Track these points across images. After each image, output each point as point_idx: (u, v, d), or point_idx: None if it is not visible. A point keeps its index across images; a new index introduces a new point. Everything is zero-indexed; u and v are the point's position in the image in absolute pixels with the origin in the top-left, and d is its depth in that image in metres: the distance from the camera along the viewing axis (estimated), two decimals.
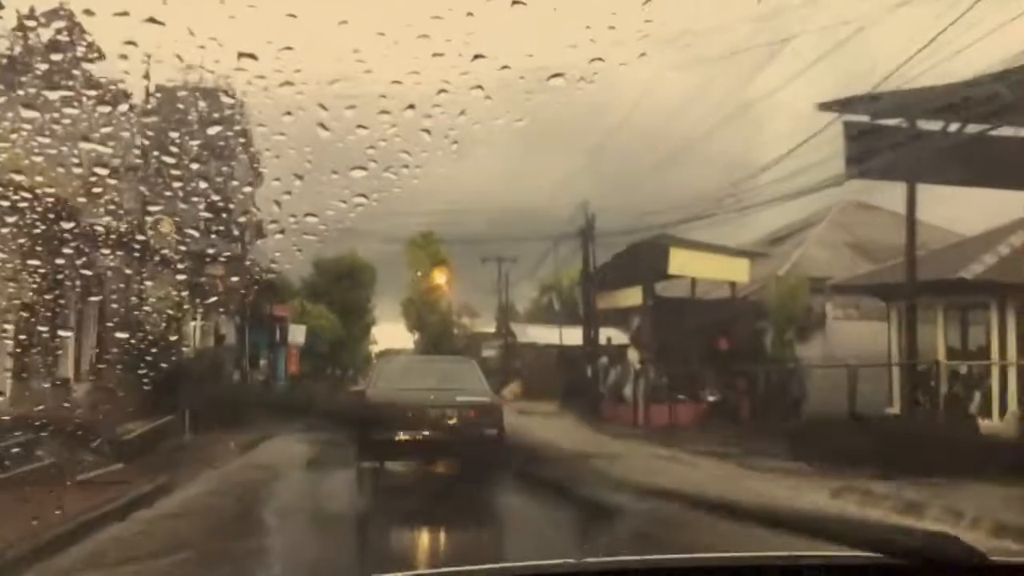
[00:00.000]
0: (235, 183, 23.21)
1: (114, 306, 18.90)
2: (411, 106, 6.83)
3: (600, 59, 6.96)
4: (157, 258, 21.47)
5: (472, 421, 12.31)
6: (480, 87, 6.72)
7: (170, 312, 21.18)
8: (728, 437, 22.50)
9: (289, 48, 6.39)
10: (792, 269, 33.29)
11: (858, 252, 35.09)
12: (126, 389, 16.33)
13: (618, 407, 30.00)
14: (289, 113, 6.94)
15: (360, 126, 6.81)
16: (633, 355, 31.51)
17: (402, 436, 11.65)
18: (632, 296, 32.16)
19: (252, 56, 6.16)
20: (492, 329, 59.03)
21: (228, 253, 26.44)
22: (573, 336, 38.99)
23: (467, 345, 54.75)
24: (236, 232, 27.37)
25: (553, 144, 53.72)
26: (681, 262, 30.87)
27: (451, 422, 12.16)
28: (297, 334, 43.75)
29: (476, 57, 6.33)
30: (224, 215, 23.65)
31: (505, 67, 6.82)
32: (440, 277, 55.51)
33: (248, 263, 29.34)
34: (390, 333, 64.64)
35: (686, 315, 30.99)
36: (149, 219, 20.52)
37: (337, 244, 40.77)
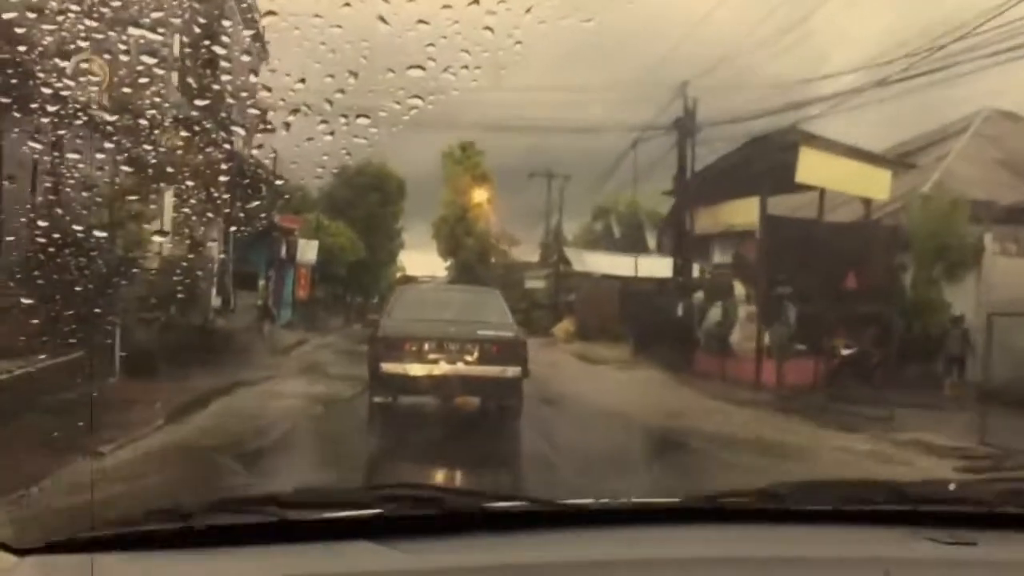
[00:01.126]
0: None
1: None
2: (475, 1, 6.53)
3: None
4: (81, 119, 14.15)
5: (494, 358, 11.56)
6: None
7: (100, 201, 14.13)
8: (902, 413, 15.02)
9: None
10: (936, 188, 25.61)
11: (1013, 171, 27.55)
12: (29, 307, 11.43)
13: (722, 359, 22.42)
14: (348, 4, 6.84)
15: (421, 20, 6.53)
16: (740, 291, 23.85)
17: (417, 371, 11.29)
18: (741, 212, 24.36)
19: None
20: (535, 258, 51.63)
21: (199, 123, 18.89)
22: (644, 266, 31.31)
23: (506, 275, 47.46)
24: (223, 113, 19.91)
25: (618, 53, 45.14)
26: (812, 167, 23.04)
27: (470, 358, 11.49)
28: (308, 251, 36.62)
29: None
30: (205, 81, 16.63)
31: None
32: (480, 194, 48.02)
33: (245, 156, 22.46)
34: (420, 261, 59.54)
35: (812, 241, 23.34)
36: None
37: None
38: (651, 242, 40.35)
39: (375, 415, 12.00)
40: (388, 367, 11.48)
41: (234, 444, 10.15)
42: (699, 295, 25.07)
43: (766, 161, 23.31)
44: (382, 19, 6.48)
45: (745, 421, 14.61)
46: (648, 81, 39.97)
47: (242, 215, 27.76)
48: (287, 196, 34.81)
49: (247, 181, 23.55)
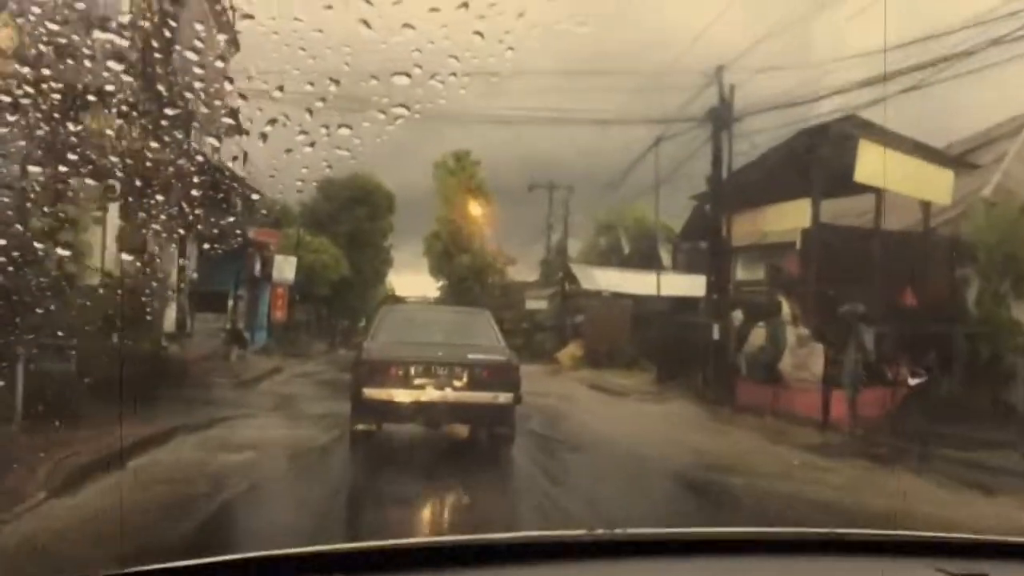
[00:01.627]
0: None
1: None
2: (465, 4, 6.43)
3: None
4: None
5: (484, 383, 10.98)
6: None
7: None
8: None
9: None
10: (996, 192, 22.41)
11: None
12: None
13: (771, 390, 18.97)
14: (330, 7, 6.55)
15: (407, 25, 6.42)
16: (786, 311, 20.44)
17: (402, 396, 10.86)
18: (785, 218, 20.97)
19: None
20: (533, 277, 48.41)
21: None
22: (666, 284, 27.88)
23: (504, 295, 44.00)
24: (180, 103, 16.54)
25: (615, 59, 43.25)
26: (872, 164, 19.69)
27: (459, 383, 10.94)
28: (285, 268, 33.17)
29: None
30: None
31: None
32: (475, 208, 44.58)
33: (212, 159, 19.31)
34: (411, 281, 57.14)
35: (867, 252, 20.10)
36: None
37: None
38: (665, 257, 36.86)
39: (356, 444, 11.45)
40: (371, 392, 10.99)
41: (132, 536, 6.58)
42: (736, 314, 21.54)
43: (817, 157, 19.97)
44: (365, 23, 6.29)
45: (840, 482, 11.06)
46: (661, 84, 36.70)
47: (207, 226, 24.42)
48: (263, 211, 31.60)
49: (212, 187, 20.22)
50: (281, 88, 7.57)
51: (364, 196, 41.38)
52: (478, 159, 44.65)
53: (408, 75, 6.55)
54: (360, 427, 11.39)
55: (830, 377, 18.44)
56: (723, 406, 19.81)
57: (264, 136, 7.73)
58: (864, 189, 20.96)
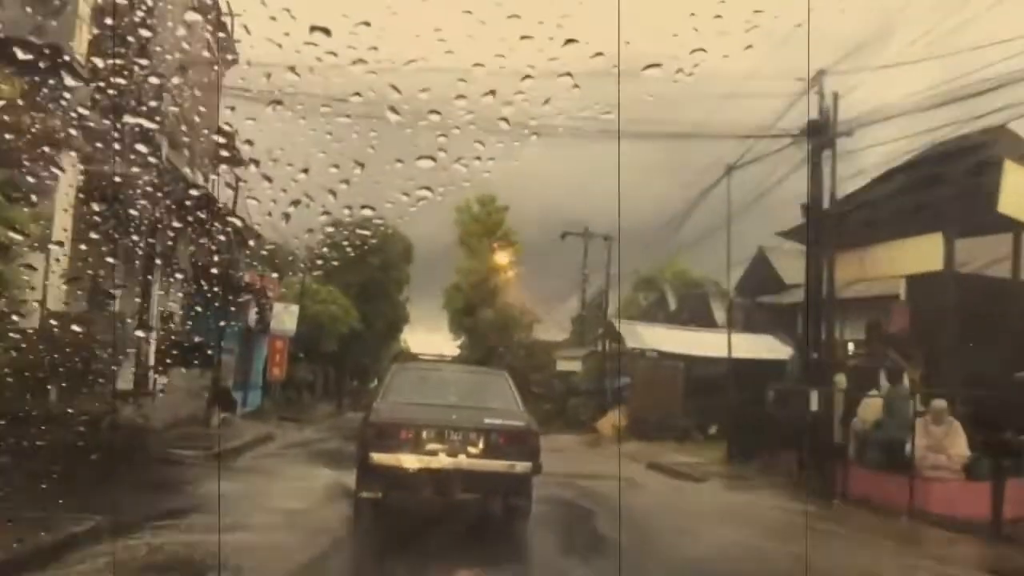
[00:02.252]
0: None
1: None
2: (492, 92, 6.81)
3: (703, 50, 6.78)
4: None
5: (501, 450, 10.38)
6: (569, 74, 6.69)
7: None
8: None
9: (366, 23, 6.41)
10: None
11: None
12: None
13: (900, 479, 14.71)
14: (358, 94, 6.98)
15: (433, 111, 6.75)
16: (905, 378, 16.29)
17: (412, 462, 10.24)
18: (906, 259, 16.86)
19: (325, 30, 6.08)
20: (562, 336, 44.46)
21: None
22: (739, 344, 23.69)
23: (531, 355, 39.99)
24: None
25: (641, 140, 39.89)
26: (1017, 191, 15.70)
27: (474, 449, 10.36)
28: (285, 318, 29.23)
29: (568, 42, 6.31)
30: None
31: (598, 54, 6.69)
32: (500, 257, 40.81)
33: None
34: (426, 341, 55.29)
35: (1002, 304, 16.12)
36: None
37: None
38: (718, 314, 32.70)
39: (360, 512, 10.80)
40: (379, 457, 10.31)
41: None
42: (839, 379, 17.32)
43: (949, 181, 15.92)
44: (393, 110, 6.78)
45: None
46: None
47: (188, 262, 20.57)
48: (263, 251, 27.81)
49: (197, 217, 16.56)
50: (306, 171, 7.84)
51: (380, 244, 37.35)
52: (505, 204, 40.89)
53: (433, 159, 6.78)
54: (365, 495, 10.73)
55: (980, 464, 14.23)
56: (829, 498, 15.50)
57: (287, 216, 7.92)
58: (1001, 226, 16.91)
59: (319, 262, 35.31)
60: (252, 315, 27.22)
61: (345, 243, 36.42)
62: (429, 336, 60.90)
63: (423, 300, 46.00)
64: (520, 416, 11.28)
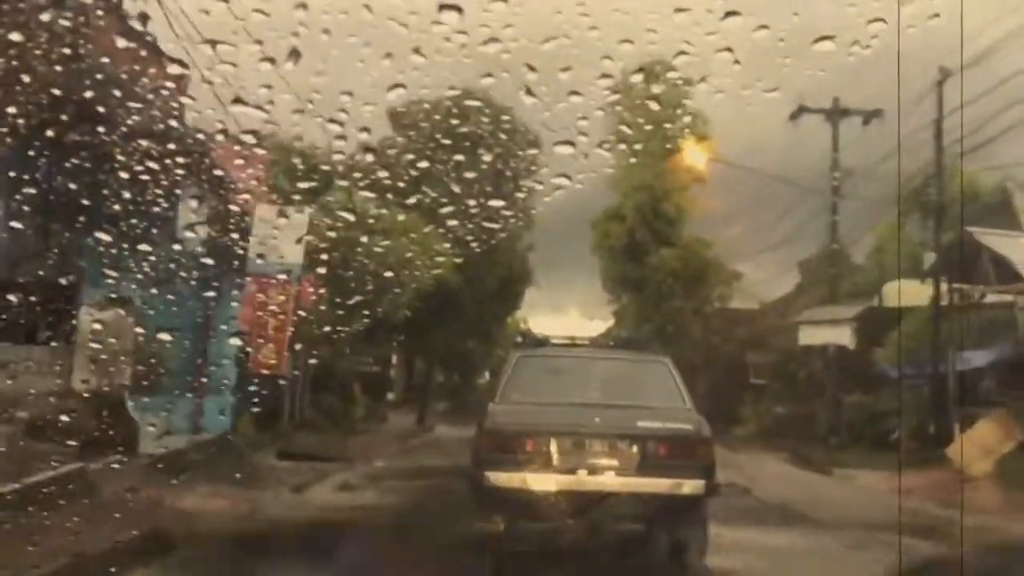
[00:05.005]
0: None
1: None
2: (640, 70, 7.39)
3: (882, 20, 6.11)
4: None
5: (662, 464, 9.10)
6: (729, 49, 6.43)
7: None
8: None
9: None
10: None
11: None
12: None
13: None
14: (490, 75, 7.10)
15: (574, 92, 6.61)
16: None
17: (543, 483, 9.04)
18: None
19: (456, 8, 6.01)
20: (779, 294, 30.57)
21: None
22: None
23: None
24: None
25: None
26: None
27: (626, 464, 9.10)
28: (285, 242, 14.45)
29: (728, 15, 6.13)
30: None
31: (762, 27, 6.45)
32: (690, 160, 26.10)
33: None
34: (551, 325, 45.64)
35: None
36: None
37: None
38: None
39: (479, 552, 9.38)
40: (497, 477, 8.94)
41: None
42: None
43: None
44: (528, 91, 6.53)
45: None
46: None
47: None
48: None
49: None
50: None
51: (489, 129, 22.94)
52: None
53: (572, 144, 6.62)
54: (482, 527, 9.53)
55: None
56: None
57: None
58: None
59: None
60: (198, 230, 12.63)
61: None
62: (553, 320, 47.07)
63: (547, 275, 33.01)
64: (687, 417, 9.65)
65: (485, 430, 9.43)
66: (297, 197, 18.42)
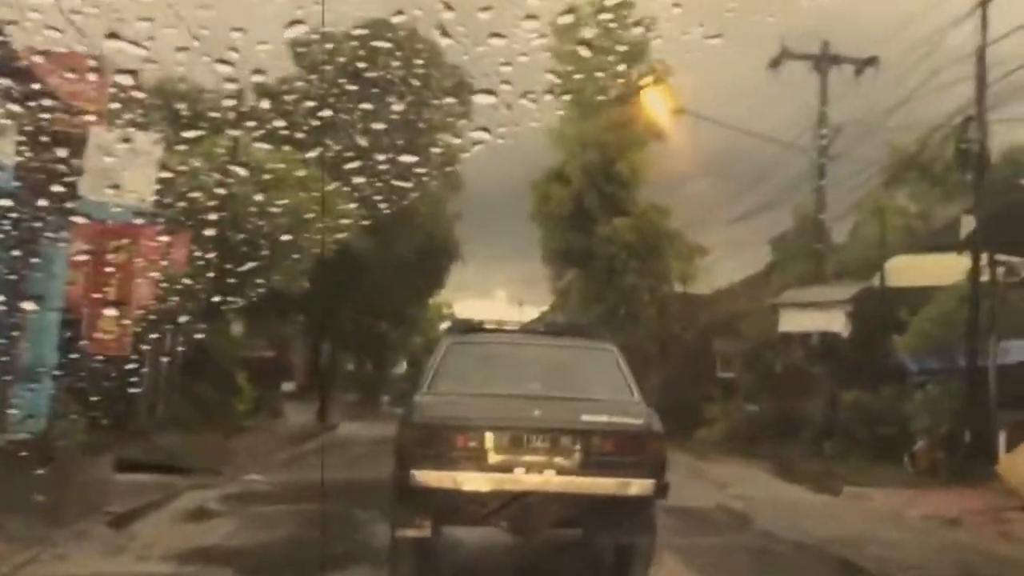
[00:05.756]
0: None
1: None
2: (570, 10, 7.13)
3: None
4: None
5: (608, 462, 8.59)
6: None
7: None
8: None
9: None
10: None
11: None
12: None
13: None
14: (401, 12, 7.95)
15: (496, 34, 5.91)
16: None
17: (476, 483, 8.46)
18: None
19: None
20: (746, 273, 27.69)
21: None
22: None
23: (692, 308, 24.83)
24: None
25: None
26: None
27: (568, 462, 8.59)
28: (132, 178, 10.59)
29: None
30: None
31: None
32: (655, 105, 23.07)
33: None
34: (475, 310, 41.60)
35: None
36: None
37: None
38: None
39: (399, 560, 8.86)
40: (425, 476, 8.27)
41: None
42: None
43: None
44: (443, 31, 6.28)
45: None
46: None
47: None
48: None
49: None
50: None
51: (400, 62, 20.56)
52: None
53: (493, 92, 6.19)
54: (406, 532, 8.72)
55: None
56: None
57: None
58: None
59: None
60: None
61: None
62: (482, 303, 44.16)
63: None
64: (636, 411, 9.08)
65: (411, 424, 8.88)
66: (182, 147, 15.84)
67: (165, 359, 16.23)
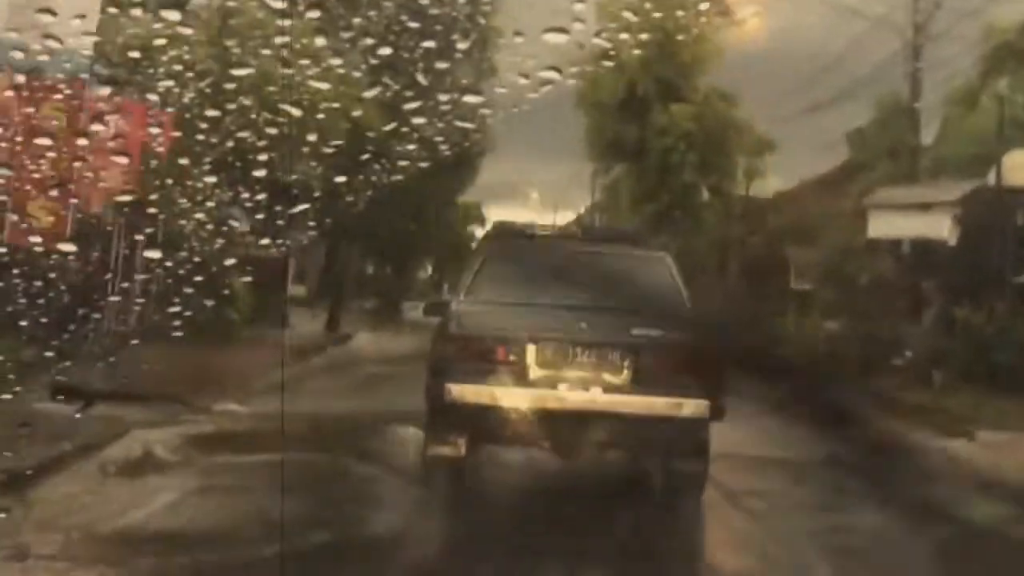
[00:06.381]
0: None
1: None
2: None
3: None
4: None
5: (660, 379, 8.41)
6: None
7: None
8: None
9: None
10: None
11: None
12: None
13: None
14: None
15: None
16: None
17: (516, 400, 8.35)
18: None
19: None
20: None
21: None
22: None
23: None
24: None
25: None
26: None
27: (617, 379, 8.45)
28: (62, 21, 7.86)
29: None
30: None
31: None
32: None
33: None
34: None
35: None
36: None
37: None
38: None
39: (431, 481, 8.73)
40: (461, 391, 8.13)
41: None
42: None
43: None
44: None
45: None
46: None
47: None
48: None
49: None
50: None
51: None
52: None
53: (564, 31, 5.72)
54: (439, 451, 8.50)
55: None
56: None
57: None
58: None
59: None
60: None
61: None
62: (514, 206, 42.37)
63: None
64: (689, 323, 9.17)
65: (447, 334, 8.86)
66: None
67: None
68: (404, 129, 16.88)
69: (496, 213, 37.00)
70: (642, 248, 10.86)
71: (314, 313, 21.79)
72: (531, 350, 8.40)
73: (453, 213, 31.33)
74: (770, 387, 14.37)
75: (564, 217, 35.61)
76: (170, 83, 12.60)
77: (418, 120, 15.72)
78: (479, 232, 33.93)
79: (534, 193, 35.52)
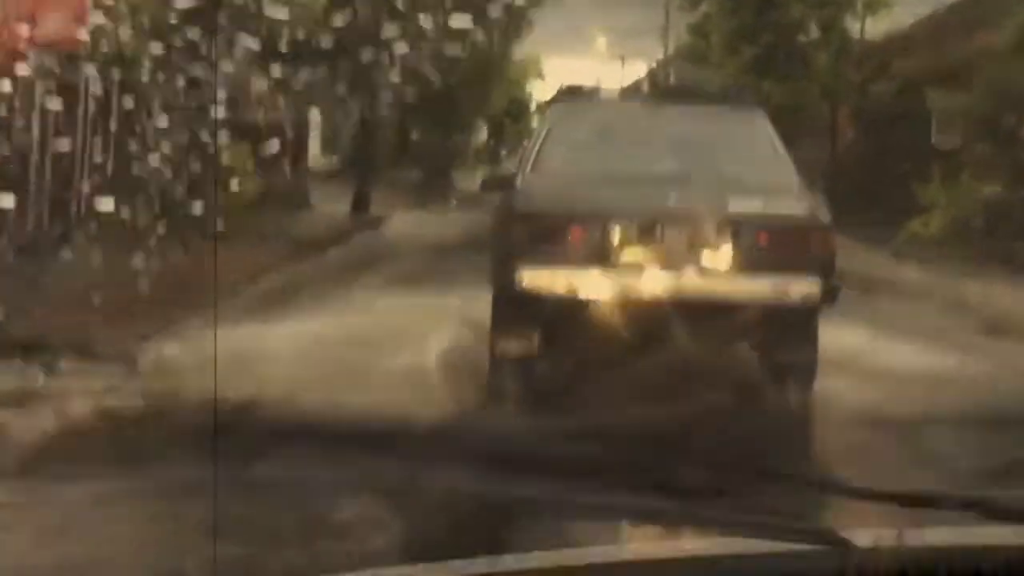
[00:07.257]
0: None
1: None
2: None
3: None
4: None
5: (764, 259, 8.00)
6: None
7: None
8: None
9: None
10: None
11: None
12: None
13: None
14: None
15: None
16: None
17: (598, 287, 7.98)
18: None
19: None
20: None
21: None
22: None
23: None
24: None
25: None
26: None
27: (712, 260, 8.13)
28: None
29: None
30: None
31: None
32: None
33: None
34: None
35: None
36: None
37: None
38: None
39: (499, 382, 8.13)
40: (532, 278, 7.71)
41: None
42: None
43: None
44: None
45: None
46: None
47: None
48: None
49: None
50: None
51: None
52: None
53: None
54: (509, 345, 8.14)
55: None
56: None
57: None
58: None
59: None
60: None
61: None
62: (577, 59, 40.58)
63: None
64: (795, 193, 8.56)
65: (513, 213, 8.45)
66: None
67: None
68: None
69: (557, 64, 35.01)
70: (734, 105, 10.30)
71: (344, 190, 19.31)
72: (613, 228, 7.92)
73: (509, 66, 29.51)
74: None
75: (635, 69, 34.51)
76: None
77: (400, 49, 15.20)
78: (539, 89, 32.49)
79: (601, 38, 33.51)
